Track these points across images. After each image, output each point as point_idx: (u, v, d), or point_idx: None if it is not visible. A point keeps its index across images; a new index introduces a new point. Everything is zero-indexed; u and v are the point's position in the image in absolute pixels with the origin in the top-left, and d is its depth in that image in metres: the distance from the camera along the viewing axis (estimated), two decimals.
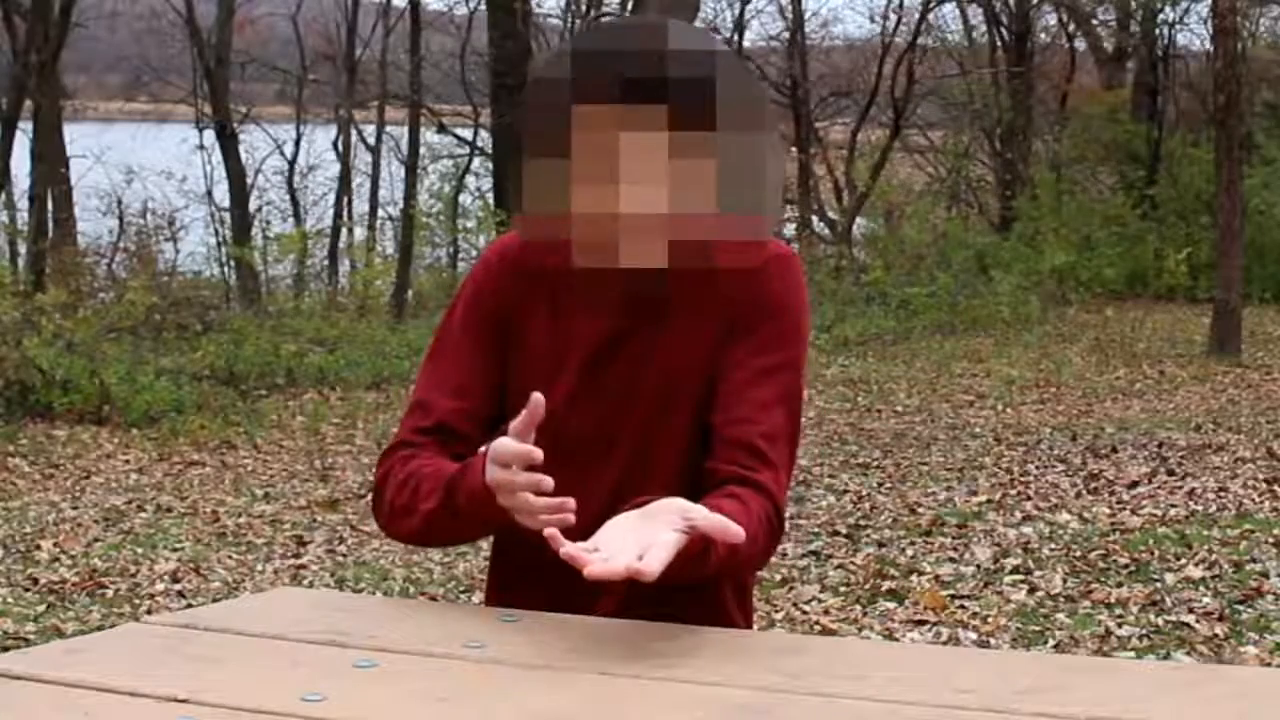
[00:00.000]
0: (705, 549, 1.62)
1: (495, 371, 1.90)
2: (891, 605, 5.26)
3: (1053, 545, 5.93)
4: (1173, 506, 6.60)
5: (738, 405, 1.82)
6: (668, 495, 1.65)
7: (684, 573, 1.58)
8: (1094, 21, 22.05)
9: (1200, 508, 6.57)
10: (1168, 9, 19.44)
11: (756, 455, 1.80)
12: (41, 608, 5.80)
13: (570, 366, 1.86)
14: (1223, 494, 6.90)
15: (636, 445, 1.85)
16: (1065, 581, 5.40)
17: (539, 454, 1.67)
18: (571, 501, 1.66)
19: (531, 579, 1.84)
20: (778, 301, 1.86)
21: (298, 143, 20.56)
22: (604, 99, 1.73)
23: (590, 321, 1.86)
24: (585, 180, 1.75)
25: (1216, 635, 4.70)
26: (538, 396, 1.68)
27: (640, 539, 1.55)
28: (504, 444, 1.69)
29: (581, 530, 1.66)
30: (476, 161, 20.31)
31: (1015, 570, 5.60)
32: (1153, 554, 5.70)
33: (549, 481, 1.66)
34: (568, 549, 1.55)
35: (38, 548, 6.86)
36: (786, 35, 20.84)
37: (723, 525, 1.58)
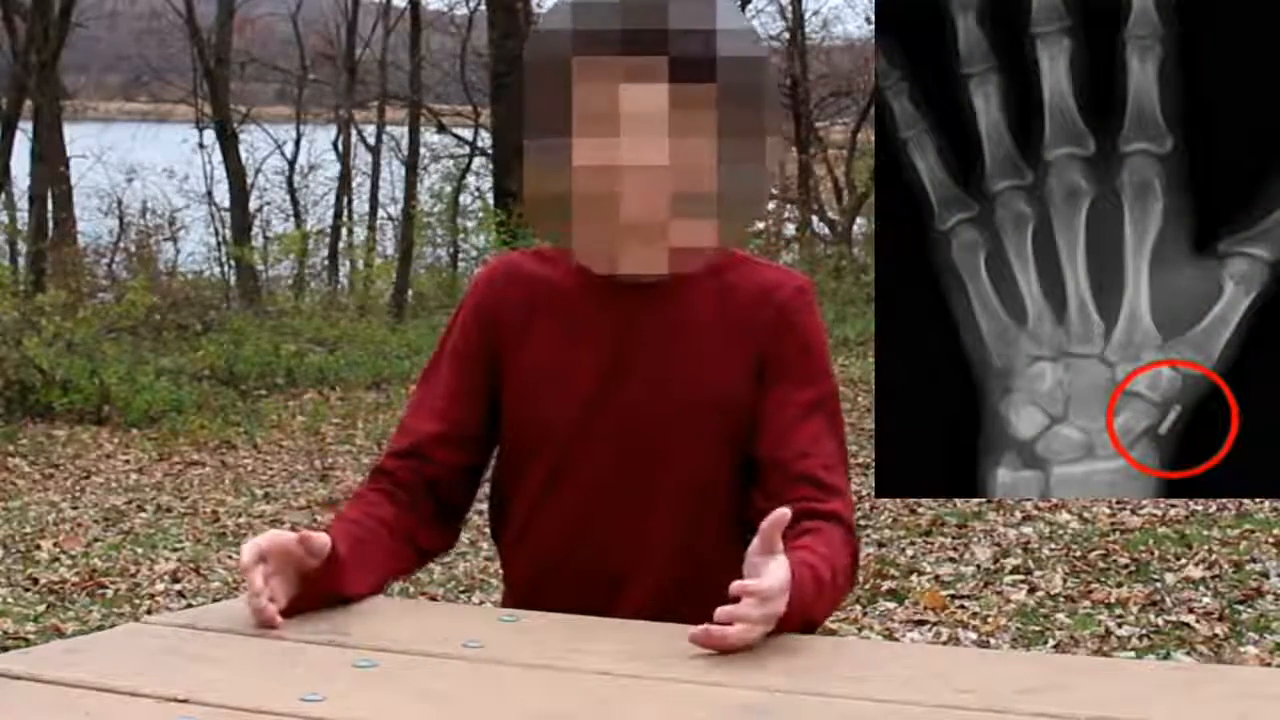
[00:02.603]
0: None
1: (481, 396, 1.89)
2: (891, 605, 5.26)
3: (1053, 545, 5.93)
4: (1173, 506, 6.58)
5: (792, 441, 1.82)
6: (678, 514, 1.67)
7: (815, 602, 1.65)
8: None
9: (1200, 508, 6.55)
10: None
11: (821, 486, 1.81)
12: (41, 608, 5.80)
13: (577, 387, 1.84)
14: None
15: (648, 467, 1.83)
16: (1065, 581, 5.39)
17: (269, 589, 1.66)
18: (271, 609, 1.66)
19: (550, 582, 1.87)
20: (806, 335, 1.87)
21: (298, 143, 20.57)
22: (604, 50, 1.72)
23: (596, 339, 1.84)
24: (586, 132, 1.74)
25: (1216, 635, 4.70)
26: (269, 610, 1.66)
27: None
28: (276, 536, 1.69)
29: (595, 557, 1.68)
30: (477, 161, 20.30)
31: (1015, 570, 5.59)
32: (1153, 554, 5.69)
33: (271, 612, 1.65)
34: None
35: (38, 548, 6.86)
36: (786, 35, 20.82)
37: (771, 517, 1.61)
